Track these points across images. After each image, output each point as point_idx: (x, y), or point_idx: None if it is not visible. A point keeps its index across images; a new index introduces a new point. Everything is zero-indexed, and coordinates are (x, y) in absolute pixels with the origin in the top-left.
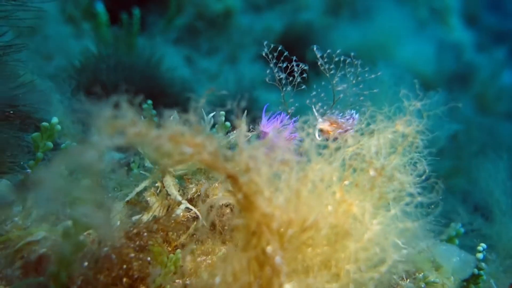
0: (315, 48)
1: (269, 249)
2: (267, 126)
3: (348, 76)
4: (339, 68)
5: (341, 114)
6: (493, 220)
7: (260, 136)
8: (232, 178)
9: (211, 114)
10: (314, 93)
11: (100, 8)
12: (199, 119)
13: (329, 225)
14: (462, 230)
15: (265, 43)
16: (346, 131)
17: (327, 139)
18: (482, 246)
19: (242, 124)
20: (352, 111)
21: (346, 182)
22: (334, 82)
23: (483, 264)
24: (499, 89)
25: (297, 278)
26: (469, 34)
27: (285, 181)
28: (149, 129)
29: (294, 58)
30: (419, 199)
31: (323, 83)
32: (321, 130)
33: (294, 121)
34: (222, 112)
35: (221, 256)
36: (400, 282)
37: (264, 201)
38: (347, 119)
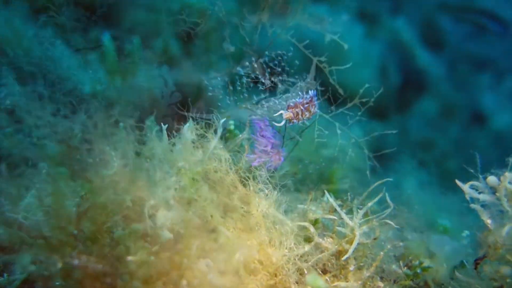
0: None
1: None
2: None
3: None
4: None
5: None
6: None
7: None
8: None
9: (222, 120)
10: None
11: (107, 38)
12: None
13: None
14: (448, 225)
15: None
16: (309, 109)
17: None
18: (465, 233)
19: None
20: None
21: None
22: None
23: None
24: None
25: None
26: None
27: None
28: None
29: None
30: None
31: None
32: (288, 119)
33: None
34: (231, 122)
35: None
36: (398, 270)
37: None
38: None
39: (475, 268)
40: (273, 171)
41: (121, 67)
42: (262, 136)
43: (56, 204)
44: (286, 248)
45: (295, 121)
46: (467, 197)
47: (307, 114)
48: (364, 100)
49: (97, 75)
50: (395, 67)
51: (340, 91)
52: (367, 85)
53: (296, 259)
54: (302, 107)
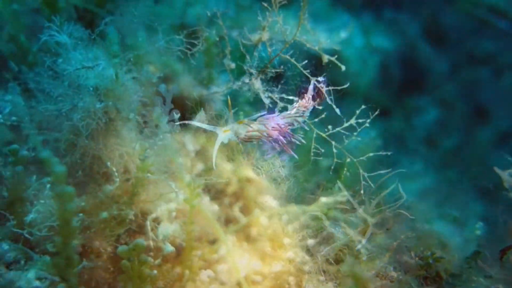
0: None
1: None
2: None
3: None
4: None
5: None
6: None
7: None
8: None
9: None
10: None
11: (111, 31)
12: None
13: None
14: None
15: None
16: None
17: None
18: (479, 224)
19: None
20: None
21: None
22: None
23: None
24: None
25: None
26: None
27: None
28: None
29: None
30: None
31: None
32: (304, 107)
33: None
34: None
35: None
36: (410, 260)
37: None
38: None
39: (501, 258)
40: (285, 162)
41: (124, 59)
42: (274, 127)
43: (60, 221)
44: (299, 236)
45: (306, 108)
46: (506, 185)
47: (318, 100)
48: (357, 120)
49: (102, 73)
50: (397, 65)
51: (337, 111)
52: (361, 108)
53: (310, 248)
54: (312, 94)
